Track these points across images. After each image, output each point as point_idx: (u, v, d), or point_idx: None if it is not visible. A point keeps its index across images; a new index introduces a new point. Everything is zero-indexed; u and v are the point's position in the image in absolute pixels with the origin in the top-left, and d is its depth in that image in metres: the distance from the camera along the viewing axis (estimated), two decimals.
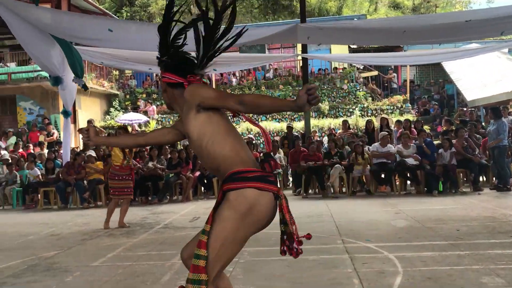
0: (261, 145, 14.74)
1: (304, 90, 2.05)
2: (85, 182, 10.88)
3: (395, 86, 22.26)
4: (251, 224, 2.30)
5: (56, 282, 4.45)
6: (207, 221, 2.32)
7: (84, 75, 19.37)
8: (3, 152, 13.44)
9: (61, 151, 12.35)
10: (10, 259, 5.52)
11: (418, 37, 7.94)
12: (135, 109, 21.03)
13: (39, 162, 12.42)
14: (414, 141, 10.48)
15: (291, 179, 12.01)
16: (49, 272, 4.84)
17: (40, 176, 11.62)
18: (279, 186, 2.44)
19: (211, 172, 2.86)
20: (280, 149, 12.09)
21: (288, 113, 19.76)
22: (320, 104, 19.55)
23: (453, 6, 32.48)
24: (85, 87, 9.69)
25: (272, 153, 11.10)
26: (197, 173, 11.21)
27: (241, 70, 22.02)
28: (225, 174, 2.34)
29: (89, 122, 15.43)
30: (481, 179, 10.67)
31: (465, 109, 16.39)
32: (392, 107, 19.19)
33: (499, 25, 7.93)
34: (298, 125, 17.44)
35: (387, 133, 10.68)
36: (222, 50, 2.49)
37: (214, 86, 21.53)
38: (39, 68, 18.30)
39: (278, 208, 2.35)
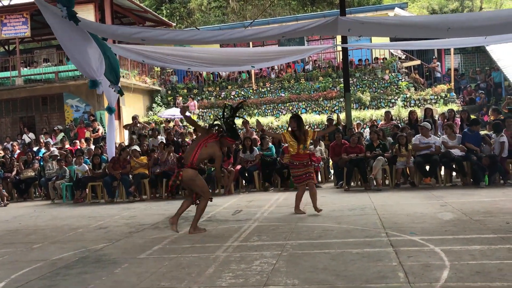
0: None
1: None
2: (130, 176, 11.19)
3: (438, 75, 21.69)
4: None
5: (106, 273, 4.61)
6: None
7: (127, 72, 19.92)
8: (52, 148, 13.98)
9: (106, 147, 12.72)
10: (62, 251, 5.76)
11: (463, 34, 7.76)
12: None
13: (87, 157, 12.85)
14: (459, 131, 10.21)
15: (332, 171, 11.92)
16: (99, 263, 5.02)
17: (88, 171, 12.03)
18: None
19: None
20: (321, 141, 11.99)
21: (328, 105, 19.62)
22: (361, 95, 19.32)
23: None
24: (120, 93, 10.26)
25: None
26: (239, 167, 11.31)
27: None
28: None
29: (134, 118, 15.77)
30: None
31: None
32: (436, 97, 18.68)
33: None
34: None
35: (428, 123, 10.38)
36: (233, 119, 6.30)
37: (253, 80, 21.65)
38: None
39: None
